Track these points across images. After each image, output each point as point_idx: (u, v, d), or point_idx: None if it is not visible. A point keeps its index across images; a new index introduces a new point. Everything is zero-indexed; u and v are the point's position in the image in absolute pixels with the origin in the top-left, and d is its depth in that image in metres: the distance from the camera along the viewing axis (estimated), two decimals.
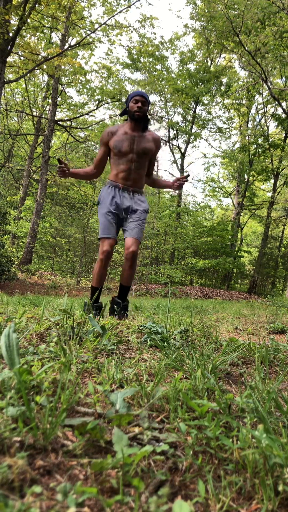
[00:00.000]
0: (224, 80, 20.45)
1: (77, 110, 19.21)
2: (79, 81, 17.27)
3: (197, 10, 16.52)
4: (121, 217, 2.84)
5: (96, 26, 13.80)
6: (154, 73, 19.79)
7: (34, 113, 18.60)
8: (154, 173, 3.08)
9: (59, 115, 19.56)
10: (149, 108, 2.78)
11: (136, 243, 2.76)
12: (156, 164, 3.13)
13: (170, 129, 21.95)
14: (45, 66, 12.15)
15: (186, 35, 19.97)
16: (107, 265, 2.79)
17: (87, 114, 18.21)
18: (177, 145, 22.32)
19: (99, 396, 0.91)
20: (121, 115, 2.86)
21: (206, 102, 21.43)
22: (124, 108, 2.83)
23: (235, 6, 12.91)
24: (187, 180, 2.89)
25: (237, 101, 20.13)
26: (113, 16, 13.36)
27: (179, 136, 22.30)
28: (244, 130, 20.57)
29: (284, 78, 18.21)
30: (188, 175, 2.88)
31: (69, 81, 17.05)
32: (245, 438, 0.72)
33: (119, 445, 0.66)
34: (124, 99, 18.87)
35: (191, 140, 22.17)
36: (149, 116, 2.87)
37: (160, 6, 51.44)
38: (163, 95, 20.07)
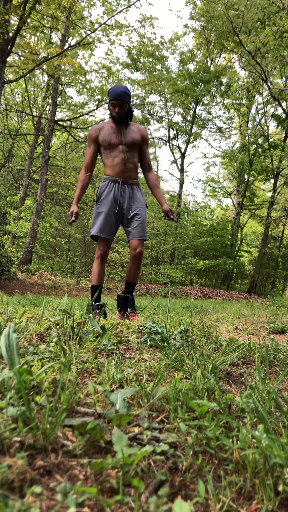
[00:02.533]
0: (224, 80, 20.45)
1: (77, 110, 19.20)
2: (79, 81, 17.27)
3: (196, 10, 16.52)
4: (122, 215, 2.88)
5: (96, 26, 13.80)
6: (154, 73, 19.79)
7: (34, 113, 18.59)
8: (154, 172, 3.09)
9: (59, 115, 19.57)
10: (130, 101, 2.79)
11: (141, 243, 2.83)
12: (156, 163, 3.19)
13: (170, 129, 21.95)
14: (45, 66, 12.14)
15: (186, 35, 19.99)
16: (104, 263, 2.87)
17: (87, 114, 18.21)
18: (177, 145, 22.32)
19: (99, 396, 0.91)
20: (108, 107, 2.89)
21: (206, 102, 21.43)
22: (108, 103, 2.86)
23: (235, 6, 12.91)
24: (173, 220, 2.94)
25: (237, 101, 20.13)
26: (113, 16, 13.35)
27: (179, 136, 22.29)
28: (244, 130, 20.57)
29: (284, 78, 18.21)
30: (178, 220, 2.96)
31: (69, 81, 17.05)
32: (245, 438, 0.72)
33: (119, 445, 0.66)
34: None
35: (191, 140, 22.17)
36: (132, 108, 2.94)
37: (160, 6, 51.43)
38: (163, 95, 20.07)
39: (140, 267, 2.91)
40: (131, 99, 2.96)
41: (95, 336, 1.48)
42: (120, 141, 2.80)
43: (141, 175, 4.26)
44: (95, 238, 2.86)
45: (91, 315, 1.59)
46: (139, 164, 2.99)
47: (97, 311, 2.72)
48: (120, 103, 2.72)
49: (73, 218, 2.84)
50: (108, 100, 2.80)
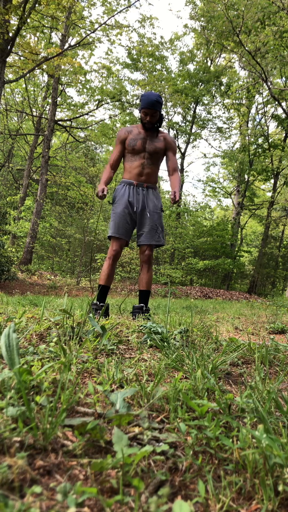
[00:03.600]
0: (224, 80, 20.46)
1: (77, 110, 19.19)
2: (79, 81, 17.26)
3: (196, 10, 16.52)
4: (135, 218, 2.90)
5: (96, 26, 13.79)
6: (154, 73, 19.79)
7: (34, 113, 18.59)
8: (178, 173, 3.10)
9: (59, 115, 19.56)
10: (161, 108, 2.82)
11: (150, 248, 2.84)
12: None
13: (170, 129, 21.96)
14: (45, 66, 12.14)
15: (186, 35, 20.00)
16: (115, 264, 2.86)
17: (87, 114, 18.20)
18: (177, 145, 22.32)
19: (99, 396, 0.91)
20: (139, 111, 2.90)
21: (206, 102, 21.44)
22: (139, 109, 2.88)
23: (235, 6, 12.90)
24: (175, 203, 2.89)
25: (237, 101, 20.14)
26: (113, 16, 13.35)
27: (179, 136, 22.30)
28: (244, 130, 20.56)
29: (284, 78, 18.21)
30: (176, 202, 2.86)
31: (69, 81, 17.04)
32: (245, 438, 0.72)
33: (119, 445, 0.66)
34: (124, 99, 18.88)
35: (191, 140, 22.18)
36: (163, 116, 2.97)
37: (160, 6, 51.42)
38: (163, 95, 20.06)
39: (151, 273, 2.90)
40: (162, 106, 3.04)
41: (95, 336, 1.48)
42: (144, 148, 2.86)
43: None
44: (110, 238, 2.87)
45: (91, 315, 1.59)
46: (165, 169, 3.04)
47: (98, 311, 2.72)
48: (153, 112, 2.75)
49: (101, 194, 2.77)
50: (139, 107, 2.84)
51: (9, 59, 11.31)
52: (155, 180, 2.98)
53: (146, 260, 2.83)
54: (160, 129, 2.96)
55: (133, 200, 2.85)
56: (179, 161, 22.29)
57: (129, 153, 2.89)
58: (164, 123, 21.50)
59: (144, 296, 2.92)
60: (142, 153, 2.86)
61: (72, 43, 16.37)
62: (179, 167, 22.08)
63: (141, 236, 2.87)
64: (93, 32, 13.36)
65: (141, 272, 2.89)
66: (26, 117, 20.87)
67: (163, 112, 21.11)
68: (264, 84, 15.31)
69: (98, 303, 2.82)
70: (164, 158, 3.01)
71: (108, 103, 18.54)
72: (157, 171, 2.98)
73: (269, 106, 20.00)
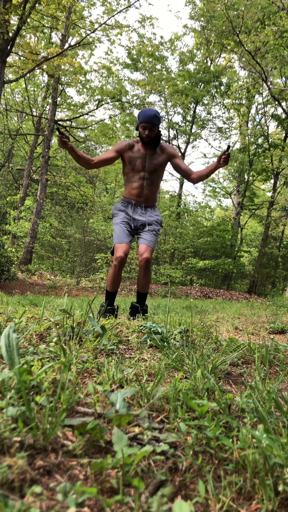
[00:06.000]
0: (224, 80, 20.46)
1: (77, 110, 19.19)
2: (79, 81, 17.25)
3: (196, 10, 16.52)
4: (133, 228, 2.92)
5: (96, 26, 13.79)
6: (154, 73, 19.78)
7: (34, 113, 18.59)
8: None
9: (59, 115, 19.55)
10: (160, 124, 2.78)
11: (149, 250, 2.83)
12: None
13: (170, 129, 21.96)
14: (45, 66, 12.14)
15: (185, 35, 19.99)
16: (121, 270, 2.86)
17: (87, 114, 18.20)
18: (177, 145, 22.33)
19: (99, 396, 0.91)
20: (137, 128, 2.85)
21: (206, 102, 21.44)
22: (137, 124, 2.83)
23: (235, 6, 12.90)
24: (229, 152, 2.66)
25: (237, 101, 20.14)
26: (113, 16, 13.35)
27: (179, 136, 22.30)
28: (244, 130, 20.57)
29: (284, 78, 18.22)
30: (229, 147, 2.59)
31: (69, 81, 17.04)
32: (245, 438, 0.72)
33: (119, 445, 0.66)
34: (124, 99, 18.89)
35: (191, 140, 22.18)
36: (161, 132, 2.92)
37: (159, 6, 51.41)
38: (163, 95, 20.07)
39: (149, 275, 2.89)
40: (160, 121, 2.97)
41: (95, 336, 1.48)
42: (143, 168, 2.84)
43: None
44: (113, 252, 2.87)
45: (91, 315, 1.59)
46: (180, 175, 2.96)
47: (108, 314, 2.75)
48: (151, 126, 2.74)
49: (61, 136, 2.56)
50: (138, 119, 2.81)
51: (9, 59, 11.32)
52: (155, 200, 2.97)
53: (144, 265, 2.82)
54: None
55: (131, 212, 2.90)
56: None
57: (129, 172, 2.88)
58: (164, 123, 21.49)
59: (141, 297, 2.97)
60: (141, 172, 2.85)
61: (72, 43, 16.36)
62: None
63: (142, 238, 2.89)
64: (93, 32, 13.36)
65: (138, 275, 2.92)
66: (26, 117, 20.88)
67: (163, 112, 21.20)
68: (264, 84, 15.30)
69: (107, 305, 2.86)
70: (174, 168, 2.94)
71: (108, 103, 18.53)
72: (157, 190, 2.97)
73: (269, 106, 20.02)
